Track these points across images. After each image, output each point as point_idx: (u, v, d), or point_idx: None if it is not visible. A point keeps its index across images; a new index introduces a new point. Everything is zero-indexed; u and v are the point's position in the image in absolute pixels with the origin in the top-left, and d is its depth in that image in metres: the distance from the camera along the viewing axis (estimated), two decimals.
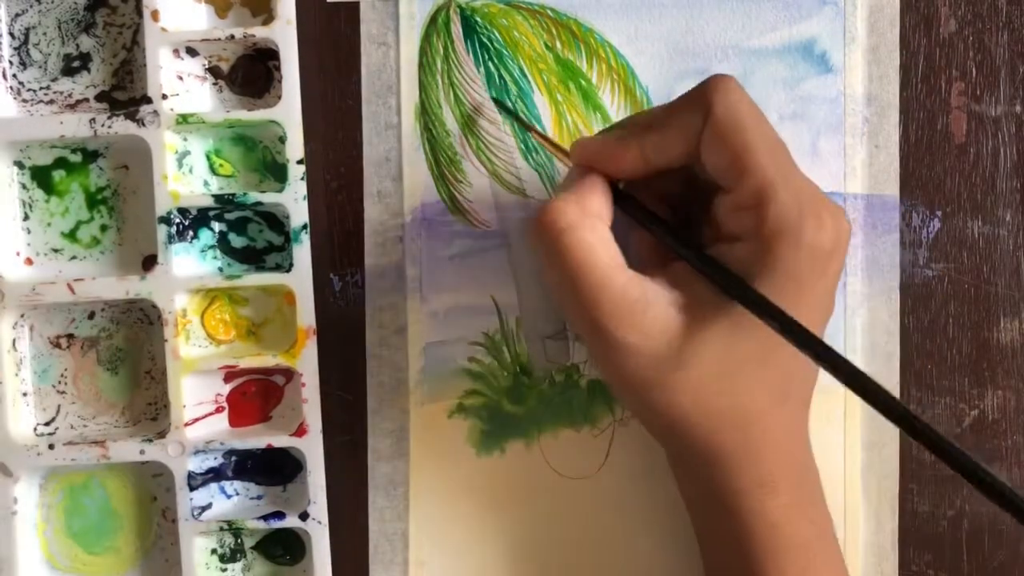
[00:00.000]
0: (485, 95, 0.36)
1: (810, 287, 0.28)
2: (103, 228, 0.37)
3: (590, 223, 0.29)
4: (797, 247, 0.27)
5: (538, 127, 0.36)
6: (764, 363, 0.29)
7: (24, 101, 0.37)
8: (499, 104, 0.36)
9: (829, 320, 0.31)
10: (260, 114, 0.36)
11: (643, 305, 0.28)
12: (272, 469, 0.38)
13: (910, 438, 0.24)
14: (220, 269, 0.37)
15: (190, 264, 0.36)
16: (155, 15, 0.35)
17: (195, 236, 0.37)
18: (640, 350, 0.28)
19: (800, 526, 0.30)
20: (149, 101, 0.35)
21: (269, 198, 0.36)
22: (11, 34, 0.37)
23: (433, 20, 0.36)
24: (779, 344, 0.28)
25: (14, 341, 0.37)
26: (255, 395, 0.38)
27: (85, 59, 0.37)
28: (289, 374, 0.38)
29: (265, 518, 0.36)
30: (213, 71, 0.37)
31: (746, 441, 0.29)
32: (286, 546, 0.38)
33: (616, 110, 0.36)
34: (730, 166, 0.28)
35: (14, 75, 0.37)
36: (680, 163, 0.30)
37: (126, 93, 0.37)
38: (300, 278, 0.36)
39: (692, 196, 0.31)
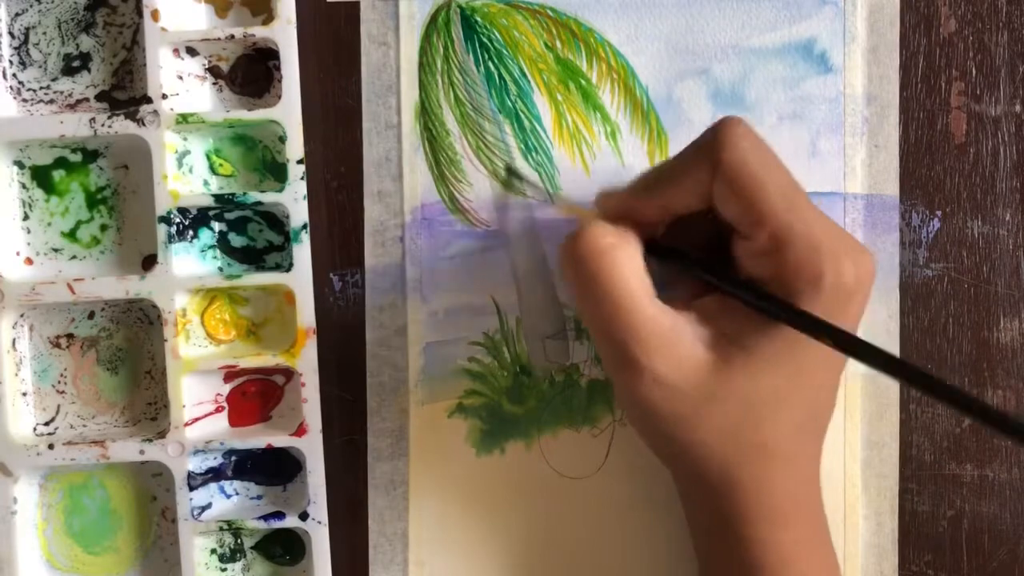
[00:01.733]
0: (507, 160, 0.36)
1: (837, 323, 0.28)
2: (103, 228, 0.37)
3: (626, 249, 0.29)
4: (817, 291, 0.27)
5: (561, 197, 0.36)
6: (789, 398, 0.29)
7: (24, 101, 0.37)
8: (513, 173, 0.36)
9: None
10: (260, 114, 0.36)
11: (674, 336, 0.28)
12: (272, 469, 0.38)
13: (1003, 434, 0.25)
14: (220, 269, 0.37)
15: (190, 264, 0.36)
16: (155, 15, 0.35)
17: (195, 236, 0.37)
18: (668, 381, 0.28)
19: (811, 564, 0.30)
20: (149, 101, 0.35)
21: (269, 198, 0.36)
22: (11, 34, 0.37)
23: (433, 20, 0.36)
24: (804, 380, 0.28)
25: (14, 341, 0.37)
26: (255, 395, 0.38)
27: (85, 59, 0.37)
28: (289, 374, 0.38)
29: (265, 518, 0.36)
30: (213, 71, 0.37)
31: (765, 473, 0.29)
32: (286, 546, 0.38)
33: (616, 110, 0.36)
34: (743, 215, 0.28)
35: (14, 75, 0.37)
36: (700, 208, 0.30)
37: (126, 93, 0.37)
38: (300, 278, 0.36)
39: (720, 232, 0.31)
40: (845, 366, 0.31)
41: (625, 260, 0.29)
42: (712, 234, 0.31)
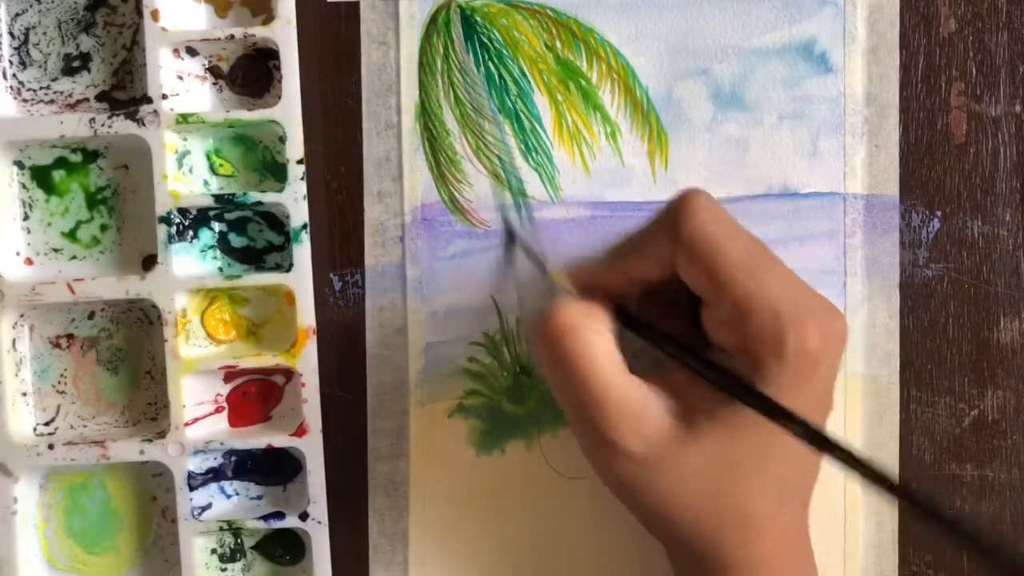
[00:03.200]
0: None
1: (798, 393, 0.28)
2: (103, 228, 0.37)
3: (594, 325, 0.29)
4: (781, 358, 0.27)
5: (555, 272, 0.34)
6: (761, 466, 0.29)
7: (24, 101, 0.37)
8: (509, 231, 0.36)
9: (829, 414, 0.30)
10: (260, 114, 0.36)
11: (641, 410, 0.29)
12: (272, 469, 0.38)
13: (924, 522, 0.24)
14: (220, 269, 0.37)
15: (190, 264, 0.36)
16: (155, 15, 0.35)
17: (195, 236, 0.37)
18: (635, 455, 0.29)
19: None
20: (149, 101, 0.35)
21: (269, 198, 0.36)
22: (11, 34, 0.37)
23: (433, 20, 0.36)
24: (775, 448, 0.28)
25: (14, 341, 0.37)
26: (255, 395, 0.38)
27: (85, 59, 0.37)
28: (289, 374, 0.38)
29: (265, 518, 0.36)
30: (213, 71, 0.37)
31: (746, 542, 0.29)
32: (286, 546, 0.38)
33: (616, 110, 0.36)
34: (706, 285, 0.29)
35: (14, 75, 0.37)
36: (664, 277, 0.30)
37: (126, 93, 0.37)
38: (300, 278, 0.36)
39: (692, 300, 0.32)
40: (824, 425, 0.31)
41: (592, 337, 0.29)
42: (687, 300, 0.31)
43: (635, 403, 0.29)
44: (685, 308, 0.32)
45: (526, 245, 0.36)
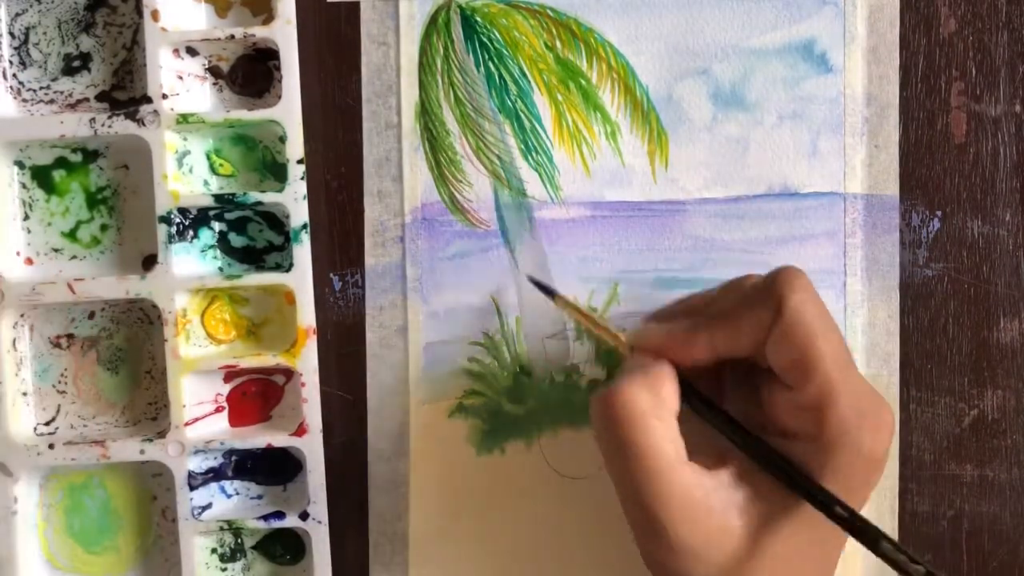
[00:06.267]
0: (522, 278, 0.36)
1: (861, 490, 0.28)
2: (103, 228, 0.37)
3: (661, 413, 0.28)
4: (856, 455, 0.27)
5: (591, 314, 0.34)
6: (811, 555, 0.29)
7: (24, 101, 0.37)
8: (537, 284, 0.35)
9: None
10: (260, 114, 0.36)
11: (707, 507, 0.28)
12: (272, 469, 0.38)
13: None
14: (220, 269, 0.37)
15: (190, 264, 0.36)
16: (155, 15, 0.35)
17: (195, 236, 0.37)
18: (700, 554, 0.28)
19: None
20: (149, 101, 0.35)
21: (269, 198, 0.36)
22: (11, 34, 0.37)
23: (433, 20, 0.36)
24: (828, 539, 0.28)
25: (14, 341, 0.37)
26: (255, 395, 0.38)
27: (85, 59, 0.37)
28: (289, 374, 0.38)
29: (265, 518, 0.36)
30: (213, 71, 0.37)
31: None
32: (286, 546, 0.38)
33: (616, 110, 0.36)
34: (795, 367, 0.28)
35: (14, 75, 0.37)
36: (748, 354, 0.29)
37: (126, 93, 0.37)
38: (300, 278, 0.36)
39: (749, 376, 0.31)
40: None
41: (659, 426, 0.28)
42: (741, 378, 0.31)
43: (698, 499, 0.27)
44: (737, 386, 0.31)
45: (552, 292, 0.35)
